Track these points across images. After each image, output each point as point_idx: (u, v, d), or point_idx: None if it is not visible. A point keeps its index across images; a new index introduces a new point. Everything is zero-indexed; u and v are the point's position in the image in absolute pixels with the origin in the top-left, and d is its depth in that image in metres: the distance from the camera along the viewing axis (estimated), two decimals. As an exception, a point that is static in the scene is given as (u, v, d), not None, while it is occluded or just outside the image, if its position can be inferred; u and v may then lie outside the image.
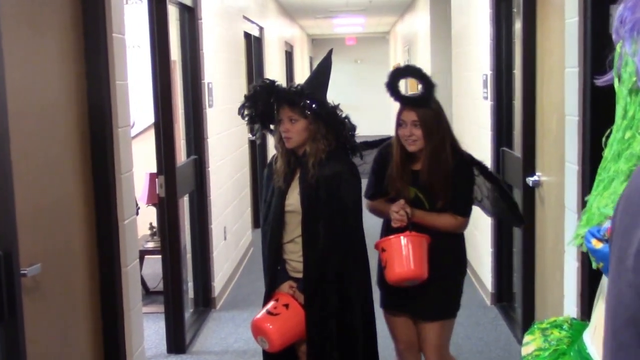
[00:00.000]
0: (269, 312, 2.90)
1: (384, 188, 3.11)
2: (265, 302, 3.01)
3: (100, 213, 2.92)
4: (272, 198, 3.02)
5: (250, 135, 7.08)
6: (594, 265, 1.30)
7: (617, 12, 1.04)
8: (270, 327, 2.86)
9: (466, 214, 3.11)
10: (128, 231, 3.09)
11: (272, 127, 3.09)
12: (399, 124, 3.04)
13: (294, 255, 2.98)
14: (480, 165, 3.14)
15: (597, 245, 1.25)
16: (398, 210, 3.00)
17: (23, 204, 2.25)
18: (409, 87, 7.52)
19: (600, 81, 1.25)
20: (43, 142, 2.51)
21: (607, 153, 1.30)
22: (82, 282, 2.83)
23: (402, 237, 2.95)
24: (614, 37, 1.21)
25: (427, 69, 9.67)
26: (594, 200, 1.31)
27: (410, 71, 3.11)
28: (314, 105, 2.88)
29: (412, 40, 11.80)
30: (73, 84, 2.76)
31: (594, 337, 1.30)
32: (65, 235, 2.67)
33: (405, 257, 2.92)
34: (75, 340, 2.78)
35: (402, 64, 14.28)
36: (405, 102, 3.06)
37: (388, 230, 3.09)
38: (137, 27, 5.15)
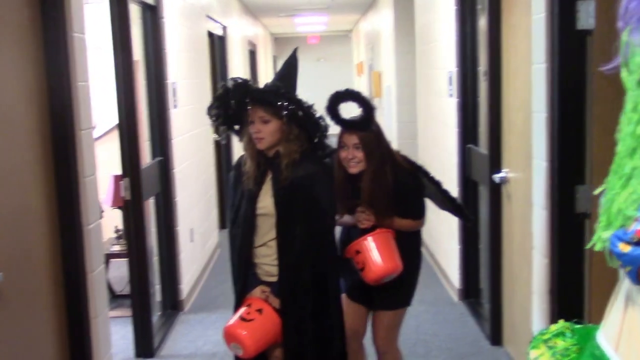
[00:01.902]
0: (242, 319, 2.85)
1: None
2: (236, 308, 2.95)
3: (64, 218, 2.85)
4: (241, 201, 2.96)
5: (216, 136, 7.01)
6: (622, 271, 1.25)
7: (622, 2, 1.03)
8: (244, 333, 2.81)
9: (422, 215, 3.25)
10: (93, 236, 3.03)
11: (236, 127, 3.01)
12: (341, 146, 3.11)
13: (266, 259, 2.92)
14: (422, 171, 3.24)
15: (625, 248, 1.21)
16: (364, 211, 3.11)
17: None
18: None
19: (606, 68, 1.23)
20: (0, 145, 2.43)
21: (621, 148, 1.24)
22: (46, 289, 2.75)
23: (374, 236, 3.06)
24: (620, 24, 1.20)
25: (391, 67, 9.74)
26: (613, 200, 1.25)
27: (350, 95, 3.13)
28: (291, 106, 2.83)
29: (376, 38, 11.81)
30: (32, 85, 2.69)
31: (620, 344, 1.26)
32: (27, 241, 2.60)
33: (381, 254, 3.04)
34: (40, 349, 2.71)
35: (366, 62, 14.30)
36: (347, 125, 3.12)
37: (349, 236, 3.18)
38: (98, 27, 5.04)
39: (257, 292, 2.92)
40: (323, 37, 19.92)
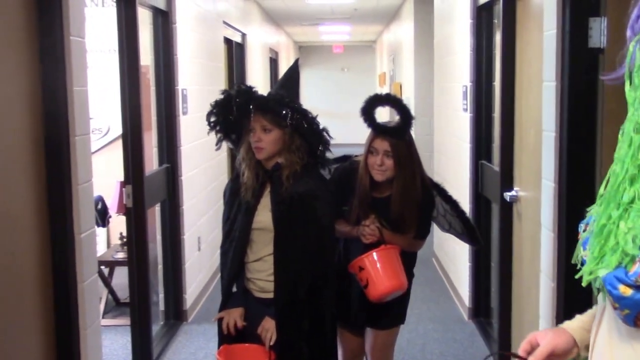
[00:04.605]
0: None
1: (340, 210, 3.04)
2: (219, 328, 2.87)
3: (55, 226, 2.78)
4: (237, 214, 2.86)
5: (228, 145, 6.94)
6: (620, 313, 1.15)
7: (633, 12, 1.00)
8: None
9: (426, 236, 3.18)
10: (85, 245, 2.95)
11: (233, 137, 2.92)
12: (370, 151, 3.00)
13: (261, 274, 2.81)
14: (438, 188, 3.16)
15: (626, 291, 1.10)
16: (369, 225, 2.98)
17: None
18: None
19: (608, 78, 1.14)
20: (-11, 150, 2.37)
21: (618, 171, 1.14)
22: (34, 300, 2.68)
23: (379, 252, 2.95)
24: (628, 33, 1.10)
25: (410, 79, 9.62)
26: (610, 232, 1.14)
27: (389, 100, 3.04)
28: (295, 115, 2.73)
29: (397, 49, 11.73)
30: (26, 89, 2.62)
31: None
32: (14, 249, 2.53)
33: (386, 271, 2.93)
34: (24, 360, 2.64)
35: (387, 73, 14.21)
36: (379, 130, 3.00)
37: (349, 250, 3.06)
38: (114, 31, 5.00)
39: (236, 313, 2.82)
40: (347, 47, 19.86)
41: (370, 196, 3.03)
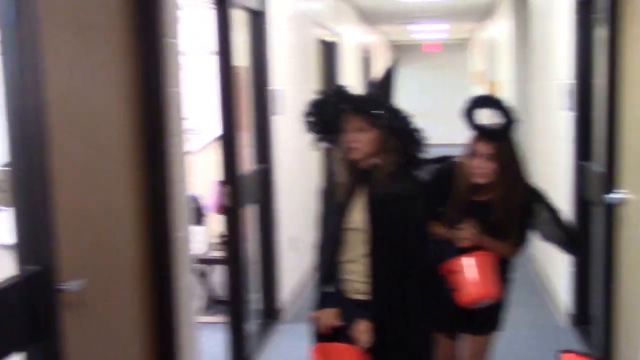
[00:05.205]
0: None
1: (437, 212, 2.98)
2: (314, 327, 2.87)
3: (153, 225, 2.84)
4: (331, 215, 2.86)
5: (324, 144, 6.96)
6: None
7: None
8: None
9: (524, 244, 3.07)
10: (181, 243, 3.01)
11: (330, 137, 2.91)
12: (471, 154, 2.94)
13: (355, 275, 2.79)
14: (540, 195, 3.04)
15: None
16: (466, 229, 2.93)
17: (67, 215, 2.18)
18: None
19: None
20: (90, 150, 2.43)
21: None
22: (131, 297, 2.75)
23: (474, 257, 2.89)
24: None
25: (506, 76, 9.37)
26: None
27: (491, 102, 2.96)
28: (389, 115, 2.70)
29: (493, 46, 11.48)
30: (124, 90, 2.69)
31: None
32: (113, 248, 2.60)
33: (479, 277, 2.87)
34: (125, 357, 2.71)
35: (482, 71, 13.94)
36: (482, 133, 2.93)
37: (444, 252, 2.98)
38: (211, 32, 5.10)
39: (331, 313, 2.81)
40: (442, 45, 19.59)
41: (468, 199, 2.97)
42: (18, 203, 2.00)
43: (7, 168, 2.02)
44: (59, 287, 2.07)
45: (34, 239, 2.01)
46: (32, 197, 1.99)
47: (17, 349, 1.99)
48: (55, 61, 2.15)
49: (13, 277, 1.96)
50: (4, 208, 3.03)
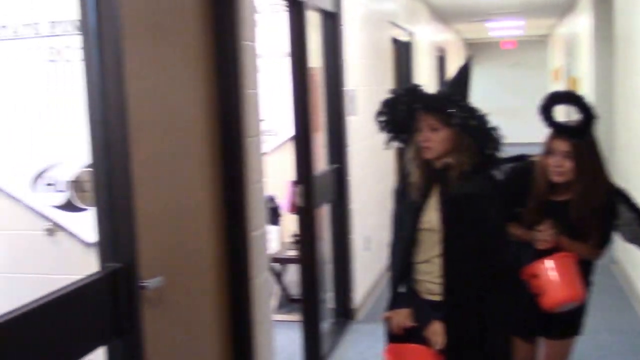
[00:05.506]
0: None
1: (513, 212, 2.92)
2: (387, 327, 2.85)
3: (230, 224, 2.89)
4: (405, 214, 2.83)
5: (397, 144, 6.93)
6: None
7: None
8: None
9: (606, 246, 2.98)
10: (258, 242, 3.04)
11: (403, 137, 2.88)
12: (548, 152, 2.86)
13: (429, 276, 2.76)
14: (623, 195, 2.95)
15: None
16: (545, 230, 2.86)
17: (146, 214, 2.24)
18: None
19: None
20: (170, 150, 2.49)
21: None
22: (208, 294, 2.80)
23: (555, 260, 2.83)
24: None
25: (588, 73, 9.11)
26: None
27: (569, 98, 2.88)
28: (463, 114, 2.66)
29: (573, 42, 11.18)
30: (203, 92, 2.74)
31: None
32: (191, 246, 2.66)
33: (562, 280, 2.80)
34: (202, 354, 2.76)
35: (562, 68, 13.59)
36: (559, 130, 2.86)
37: (521, 254, 2.93)
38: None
39: (404, 314, 2.78)
40: (518, 42, 19.21)
41: (546, 199, 2.90)
42: (100, 203, 2.07)
43: (89, 169, 2.08)
44: (140, 283, 2.13)
45: (116, 237, 2.07)
46: (114, 197, 2.05)
47: (101, 343, 2.05)
48: (135, 65, 2.21)
49: (96, 274, 2.02)
50: (87, 207, 3.14)
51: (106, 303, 2.02)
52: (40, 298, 1.79)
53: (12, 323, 1.67)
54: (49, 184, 3.23)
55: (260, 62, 3.21)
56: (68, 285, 1.90)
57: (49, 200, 3.24)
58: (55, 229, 3.26)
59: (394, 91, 2.83)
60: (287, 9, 4.02)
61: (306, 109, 4.17)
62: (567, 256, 2.84)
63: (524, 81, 18.78)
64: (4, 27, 3.17)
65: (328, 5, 4.70)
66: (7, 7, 3.13)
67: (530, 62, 19.42)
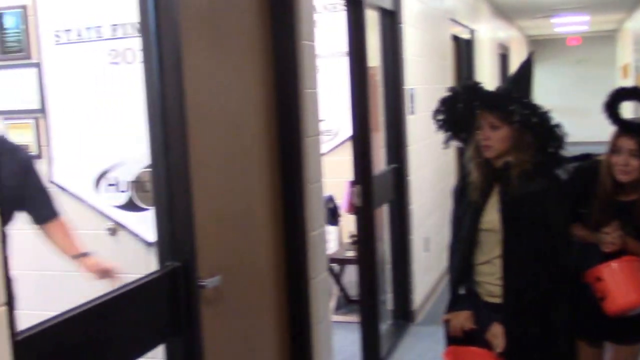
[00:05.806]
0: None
1: (579, 213, 2.84)
2: (446, 329, 2.81)
3: (288, 224, 2.89)
4: (465, 215, 2.78)
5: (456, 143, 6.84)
6: None
7: None
8: None
9: None
10: (317, 243, 3.04)
11: (461, 135, 2.83)
12: (613, 150, 2.78)
13: (489, 277, 2.70)
14: None
15: None
16: (611, 232, 2.77)
17: (205, 214, 2.25)
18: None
19: None
20: (228, 151, 2.51)
21: None
22: (267, 294, 2.80)
23: (621, 264, 2.75)
24: None
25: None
26: None
27: (636, 94, 2.80)
28: (524, 111, 2.59)
29: (641, 38, 10.85)
30: (261, 92, 2.75)
31: None
32: (249, 246, 2.66)
33: (628, 284, 2.73)
34: (260, 354, 2.77)
35: (631, 64, 13.20)
36: (625, 127, 2.76)
37: (586, 256, 2.84)
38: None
39: (464, 316, 2.73)
40: (584, 38, 18.76)
41: (612, 200, 2.81)
42: (159, 202, 2.09)
43: (149, 169, 2.11)
44: (199, 282, 2.15)
45: (175, 237, 2.09)
46: (173, 197, 2.07)
47: (160, 341, 2.07)
48: (194, 65, 2.23)
49: (155, 272, 2.04)
50: (148, 207, 3.19)
51: (165, 301, 2.04)
52: (101, 296, 1.82)
53: (75, 320, 1.70)
54: (111, 185, 3.30)
55: (319, 62, 3.20)
56: (128, 284, 1.93)
57: (111, 201, 3.31)
58: (117, 228, 3.33)
59: (452, 89, 2.77)
60: (346, 7, 4.00)
61: (365, 109, 4.15)
62: (635, 260, 2.75)
63: (590, 78, 18.32)
64: (68, 30, 3.25)
65: (387, 4, 4.67)
66: (70, 11, 3.21)
67: (597, 59, 18.93)
